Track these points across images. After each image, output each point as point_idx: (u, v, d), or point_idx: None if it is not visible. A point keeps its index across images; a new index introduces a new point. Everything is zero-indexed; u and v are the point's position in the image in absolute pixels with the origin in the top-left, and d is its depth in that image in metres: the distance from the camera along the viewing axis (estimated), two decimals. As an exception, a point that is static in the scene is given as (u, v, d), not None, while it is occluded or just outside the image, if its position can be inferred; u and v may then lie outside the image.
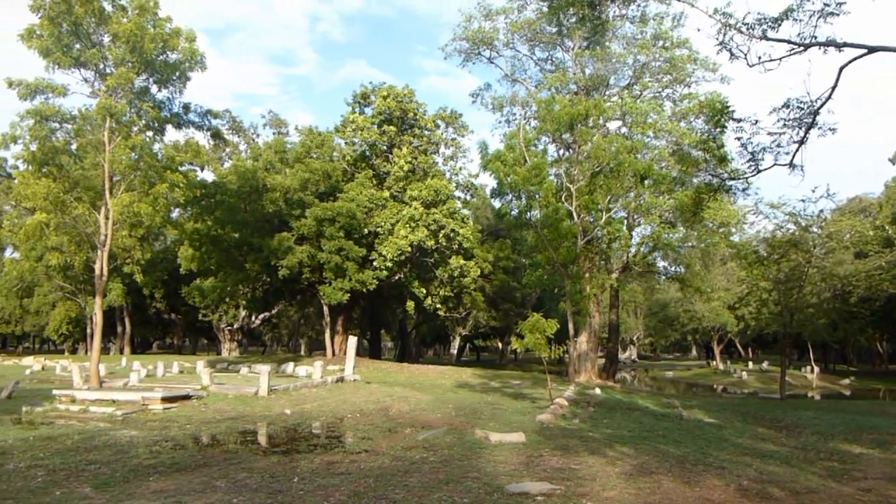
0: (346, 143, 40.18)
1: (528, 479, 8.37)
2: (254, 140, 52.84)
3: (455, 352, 69.22)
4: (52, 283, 51.89)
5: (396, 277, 36.48)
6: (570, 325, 27.36)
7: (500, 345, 69.52)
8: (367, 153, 39.87)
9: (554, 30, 35.07)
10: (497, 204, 38.05)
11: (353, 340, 25.81)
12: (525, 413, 16.35)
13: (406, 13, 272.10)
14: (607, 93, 35.01)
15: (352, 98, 41.18)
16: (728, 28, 12.49)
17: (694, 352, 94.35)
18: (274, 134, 51.42)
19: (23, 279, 50.82)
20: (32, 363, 39.70)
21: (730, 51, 12.63)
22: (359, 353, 29.06)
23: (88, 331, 54.00)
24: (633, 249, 33.79)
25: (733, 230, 34.94)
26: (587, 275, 30.28)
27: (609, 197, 28.38)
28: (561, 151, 34.02)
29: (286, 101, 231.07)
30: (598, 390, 24.42)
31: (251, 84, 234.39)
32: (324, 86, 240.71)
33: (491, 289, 44.32)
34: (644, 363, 78.65)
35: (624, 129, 32.83)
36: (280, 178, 34.79)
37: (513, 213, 30.16)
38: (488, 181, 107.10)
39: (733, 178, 16.22)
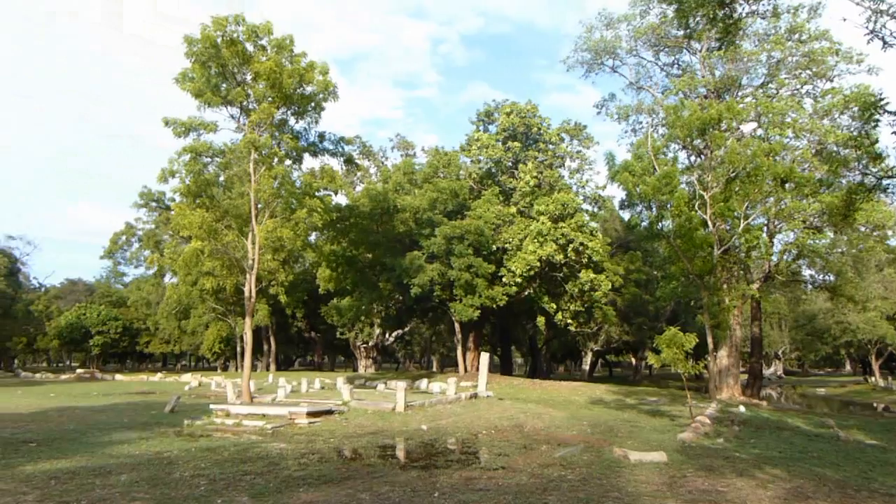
0: (471, 161, 40.74)
1: (673, 501, 8.07)
2: (383, 163, 54.70)
3: (587, 367, 67.87)
4: (205, 306, 55.95)
5: (526, 293, 36.37)
6: (709, 339, 26.14)
7: (633, 360, 67.40)
8: (493, 170, 40.21)
9: (680, 33, 33.91)
10: (626, 215, 37.21)
11: (485, 357, 25.96)
12: (664, 431, 15.77)
13: (525, 28, 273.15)
14: (739, 94, 33.36)
15: (476, 116, 41.88)
16: (879, 14, 11.61)
17: (848, 367, 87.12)
18: (402, 156, 53.01)
19: (180, 302, 55.23)
20: (190, 380, 42.81)
21: (882, 39, 11.75)
22: (490, 369, 29.18)
23: (238, 349, 57.79)
24: (774, 258, 31.81)
25: (890, 233, 32.10)
26: (725, 286, 28.81)
27: (746, 203, 26.90)
28: (692, 158, 32.69)
29: (411, 124, 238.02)
30: (742, 408, 23.14)
31: (378, 109, 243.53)
32: (447, 107, 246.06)
33: (622, 302, 43.18)
34: (791, 379, 73.39)
35: (760, 131, 31.11)
36: (409, 199, 35.77)
37: (643, 224, 29.31)
38: (616, 192, 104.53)
39: (890, 176, 14.99)
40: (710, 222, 26.54)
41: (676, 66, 36.53)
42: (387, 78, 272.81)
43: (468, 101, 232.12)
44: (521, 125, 38.78)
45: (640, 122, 35.83)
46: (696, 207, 26.42)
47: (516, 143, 38.60)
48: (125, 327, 66.91)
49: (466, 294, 33.65)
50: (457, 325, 38.76)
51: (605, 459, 11.18)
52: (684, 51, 35.78)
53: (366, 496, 8.49)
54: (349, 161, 27.17)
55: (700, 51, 33.93)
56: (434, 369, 69.83)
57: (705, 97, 32.63)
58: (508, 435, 14.87)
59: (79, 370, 61.56)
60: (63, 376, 54.02)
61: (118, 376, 53.83)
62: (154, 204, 65.47)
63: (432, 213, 35.31)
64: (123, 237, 71.02)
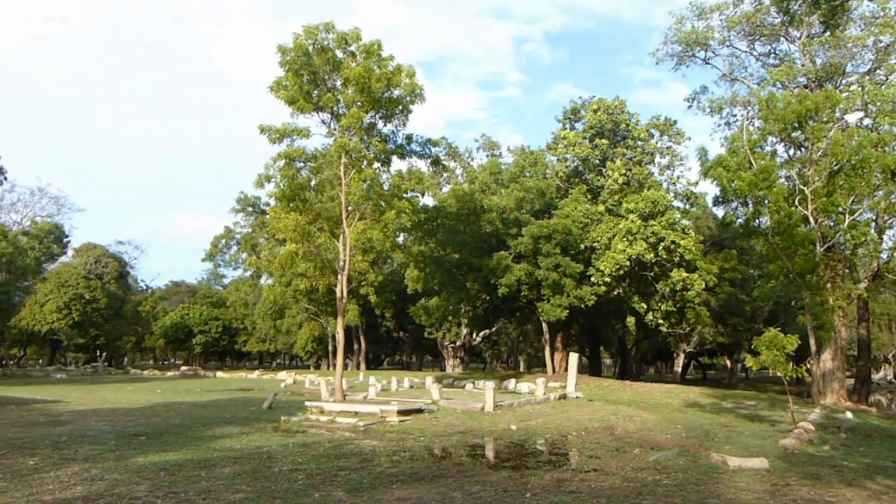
0: (558, 159, 40.38)
1: (776, 509, 7.75)
2: (469, 164, 54.91)
3: (679, 369, 65.91)
4: (299, 306, 57.78)
5: (615, 292, 35.70)
6: (812, 341, 24.88)
7: (728, 362, 64.99)
8: (580, 168, 39.70)
9: (776, 20, 32.41)
10: (720, 212, 35.85)
11: (574, 357, 25.61)
12: (765, 437, 15.12)
13: (610, 23, 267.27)
14: (844, 81, 31.48)
15: (562, 114, 41.48)
16: None
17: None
18: (487, 156, 53.06)
19: (276, 303, 57.23)
20: (286, 377, 44.34)
21: None
22: (578, 370, 28.80)
23: (330, 348, 59.42)
24: (884, 255, 29.89)
25: None
26: (829, 285, 27.31)
27: (852, 198, 25.35)
28: (791, 151, 31.14)
29: (495, 124, 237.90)
30: (848, 414, 21.89)
31: (462, 110, 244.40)
32: (531, 107, 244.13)
33: (716, 303, 41.67)
34: (903, 384, 68.76)
35: (867, 121, 29.28)
36: (496, 199, 35.81)
37: (738, 220, 28.19)
38: (709, 189, 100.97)
39: None
40: (811, 218, 25.22)
41: (773, 55, 34.91)
42: (470, 79, 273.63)
43: (552, 101, 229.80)
44: (608, 122, 38.11)
45: (735, 115, 34.41)
46: (796, 203, 25.17)
47: (604, 141, 37.95)
48: (225, 327, 69.74)
49: (554, 294, 33.35)
50: (544, 325, 38.49)
51: (702, 464, 10.84)
52: (782, 39, 34.12)
53: (457, 495, 8.57)
54: (436, 162, 27.44)
55: (799, 38, 32.29)
56: (521, 369, 69.52)
57: (805, 87, 31.03)
58: (599, 437, 14.64)
59: (183, 367, 64.92)
60: (168, 373, 57.12)
61: (219, 373, 56.37)
62: (250, 209, 68.22)
63: (519, 213, 35.20)
64: (223, 241, 74.30)
